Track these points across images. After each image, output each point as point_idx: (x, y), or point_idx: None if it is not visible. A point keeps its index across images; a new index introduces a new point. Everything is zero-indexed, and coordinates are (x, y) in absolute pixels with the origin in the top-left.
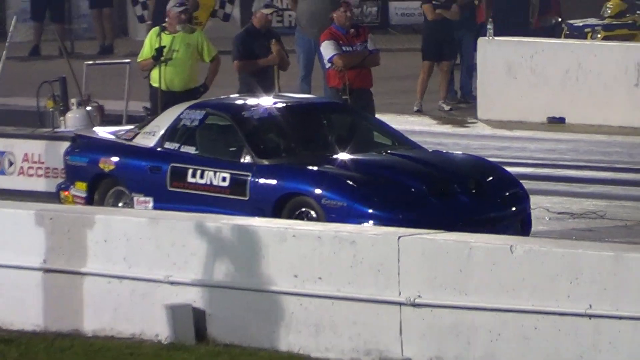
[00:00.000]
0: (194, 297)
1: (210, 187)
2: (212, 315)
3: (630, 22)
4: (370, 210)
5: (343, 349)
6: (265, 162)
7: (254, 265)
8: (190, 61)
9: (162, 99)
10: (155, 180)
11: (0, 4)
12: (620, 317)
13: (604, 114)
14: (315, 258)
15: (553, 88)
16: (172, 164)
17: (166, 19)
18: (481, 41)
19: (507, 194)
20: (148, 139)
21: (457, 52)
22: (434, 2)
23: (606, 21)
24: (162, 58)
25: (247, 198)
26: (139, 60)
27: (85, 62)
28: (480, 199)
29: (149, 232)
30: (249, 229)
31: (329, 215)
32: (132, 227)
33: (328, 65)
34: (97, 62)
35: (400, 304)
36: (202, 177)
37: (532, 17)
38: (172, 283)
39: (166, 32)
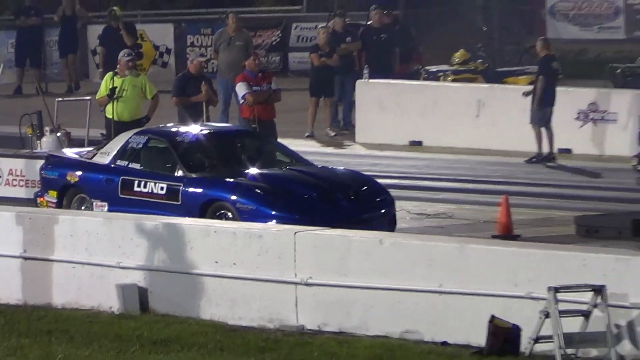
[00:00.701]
0: (139, 278)
1: (151, 194)
2: (153, 292)
3: (472, 68)
4: (273, 212)
5: (252, 318)
6: (194, 175)
7: (184, 254)
8: (136, 98)
9: (114, 127)
10: (109, 189)
11: None
12: (464, 294)
13: (452, 138)
14: (231, 249)
15: (414, 119)
16: (122, 177)
17: (117, 66)
18: (359, 83)
19: (378, 199)
20: (104, 157)
21: (337, 90)
22: (319, 52)
23: (454, 67)
24: (115, 96)
25: (179, 203)
26: (97, 97)
27: (57, 99)
28: (357, 203)
29: (105, 229)
30: (180, 227)
31: (242, 216)
32: (92, 225)
33: (241, 101)
34: (65, 99)
35: (296, 283)
36: (145, 187)
37: (395, 65)
38: (122, 268)
39: (117, 76)
